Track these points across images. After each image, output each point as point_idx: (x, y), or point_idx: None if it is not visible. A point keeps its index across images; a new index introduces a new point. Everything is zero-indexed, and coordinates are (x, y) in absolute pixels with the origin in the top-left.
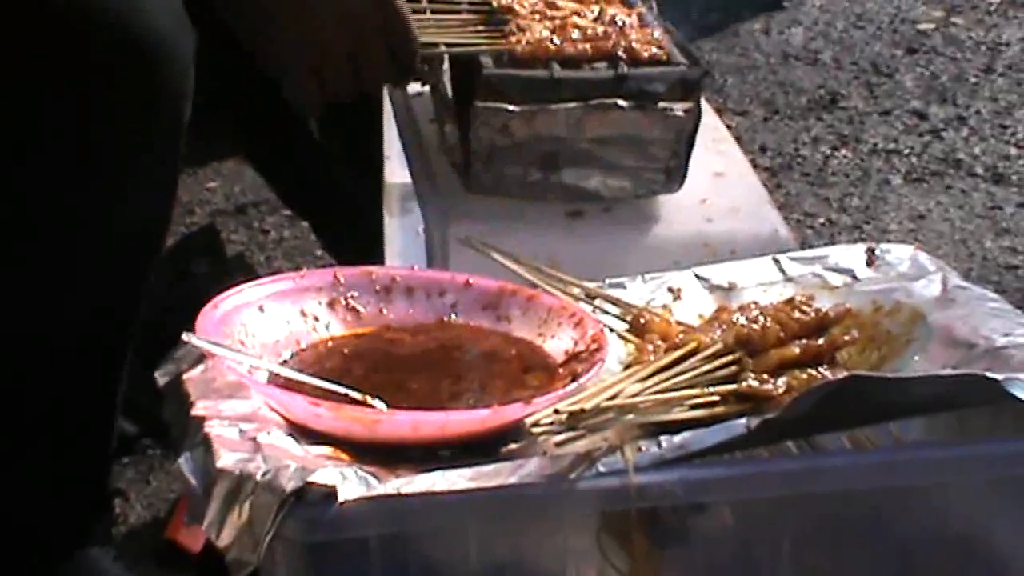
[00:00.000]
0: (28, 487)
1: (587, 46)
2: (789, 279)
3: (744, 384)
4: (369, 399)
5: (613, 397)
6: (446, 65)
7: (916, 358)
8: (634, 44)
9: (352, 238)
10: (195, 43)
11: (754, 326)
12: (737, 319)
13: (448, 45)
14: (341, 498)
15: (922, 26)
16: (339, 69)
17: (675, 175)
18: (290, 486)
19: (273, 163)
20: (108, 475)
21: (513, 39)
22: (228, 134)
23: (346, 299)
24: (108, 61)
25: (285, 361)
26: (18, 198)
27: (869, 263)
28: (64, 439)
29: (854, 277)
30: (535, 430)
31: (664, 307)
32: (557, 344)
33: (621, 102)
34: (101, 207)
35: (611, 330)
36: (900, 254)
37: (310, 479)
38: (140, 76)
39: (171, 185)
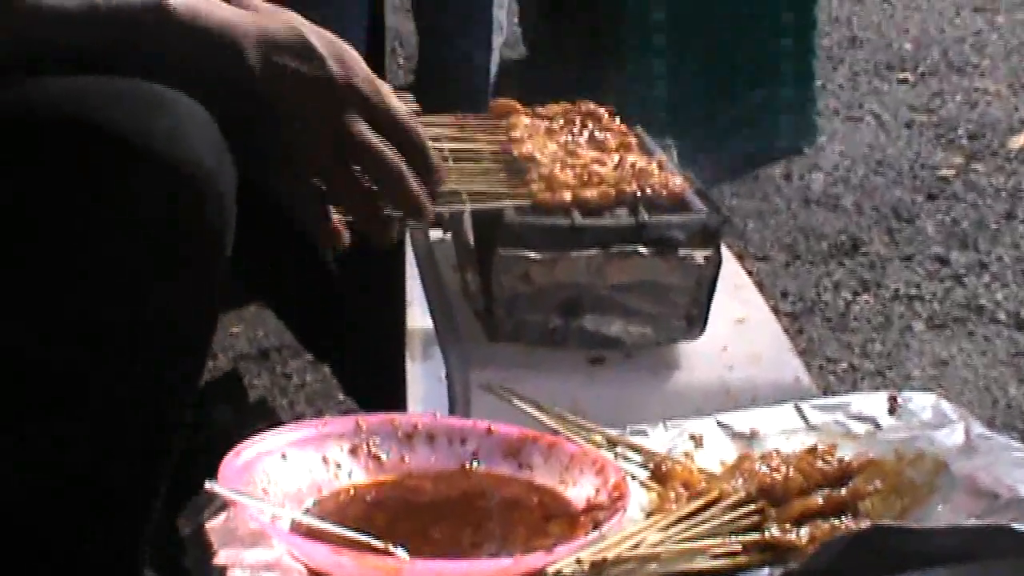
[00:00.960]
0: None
1: (608, 193)
2: (811, 427)
3: (767, 533)
4: (391, 547)
5: (635, 546)
6: (468, 212)
7: (940, 508)
8: (654, 191)
9: (373, 382)
10: (236, 178)
11: (776, 475)
12: (759, 468)
13: (470, 194)
14: None
15: (942, 172)
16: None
17: (696, 322)
18: None
19: (291, 305)
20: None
21: (534, 187)
22: (245, 276)
23: (368, 446)
24: (150, 191)
25: (308, 509)
26: (54, 327)
27: (891, 411)
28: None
29: (876, 425)
30: None
31: (686, 455)
32: (579, 492)
33: (641, 249)
34: (140, 340)
35: (633, 478)
36: (922, 402)
37: None
38: (182, 207)
39: (210, 321)
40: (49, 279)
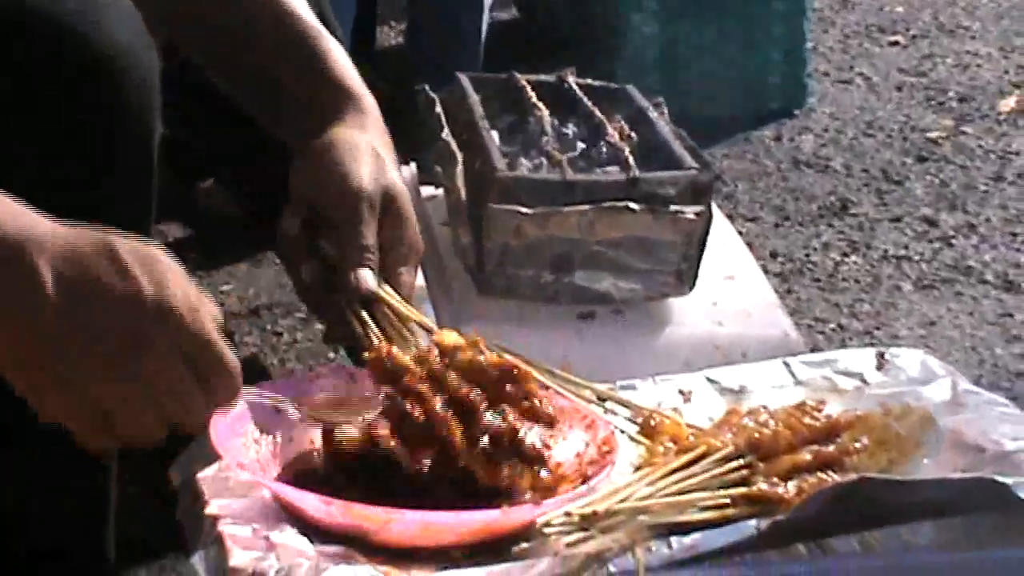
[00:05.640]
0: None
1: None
2: (799, 382)
3: (755, 487)
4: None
5: (624, 499)
6: (459, 168)
7: (926, 461)
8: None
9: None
10: (159, 59)
11: (765, 431)
12: (747, 423)
13: None
14: None
15: (932, 135)
16: None
17: (686, 278)
18: None
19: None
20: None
21: None
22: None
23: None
24: (68, 76)
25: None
26: None
27: (879, 367)
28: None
29: (864, 381)
30: (546, 530)
31: (675, 409)
32: (568, 446)
33: (633, 205)
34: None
35: (622, 432)
36: (910, 358)
37: None
38: (102, 90)
39: (145, 208)
40: None
